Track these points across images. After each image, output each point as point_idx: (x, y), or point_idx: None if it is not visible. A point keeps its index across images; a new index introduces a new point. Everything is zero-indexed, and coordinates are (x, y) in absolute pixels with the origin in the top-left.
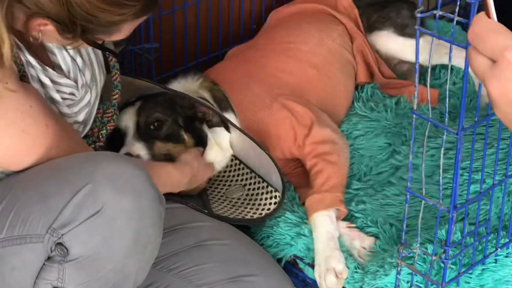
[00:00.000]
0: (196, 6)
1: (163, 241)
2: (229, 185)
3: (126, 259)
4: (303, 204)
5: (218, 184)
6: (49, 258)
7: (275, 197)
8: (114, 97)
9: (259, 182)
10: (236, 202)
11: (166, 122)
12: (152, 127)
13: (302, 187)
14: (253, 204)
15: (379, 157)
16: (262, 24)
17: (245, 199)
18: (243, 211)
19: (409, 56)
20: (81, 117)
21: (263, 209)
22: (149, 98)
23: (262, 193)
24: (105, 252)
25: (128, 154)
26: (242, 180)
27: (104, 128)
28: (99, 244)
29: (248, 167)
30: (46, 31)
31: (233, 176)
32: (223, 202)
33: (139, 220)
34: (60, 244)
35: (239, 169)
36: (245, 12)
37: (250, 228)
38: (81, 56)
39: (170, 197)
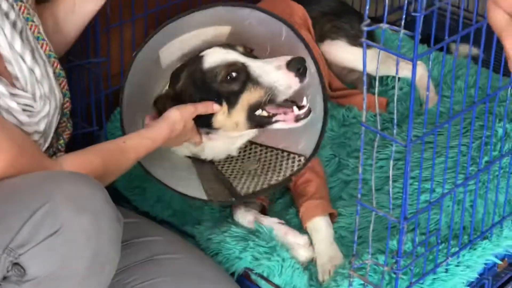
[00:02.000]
0: (144, 19)
1: None
2: (242, 161)
3: (85, 279)
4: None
5: (230, 163)
6: (5, 278)
7: (299, 160)
8: (65, 105)
9: (276, 154)
10: (255, 173)
11: None
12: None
13: None
14: (274, 170)
15: (325, 170)
16: None
17: (263, 169)
18: (266, 178)
19: (361, 66)
20: (41, 127)
21: (285, 172)
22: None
23: (282, 160)
24: (63, 272)
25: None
26: (255, 156)
27: (62, 138)
28: (57, 264)
29: (261, 145)
30: None
31: (244, 155)
32: (242, 176)
33: (98, 240)
34: (17, 264)
35: (250, 148)
36: None
37: (200, 244)
38: (39, 68)
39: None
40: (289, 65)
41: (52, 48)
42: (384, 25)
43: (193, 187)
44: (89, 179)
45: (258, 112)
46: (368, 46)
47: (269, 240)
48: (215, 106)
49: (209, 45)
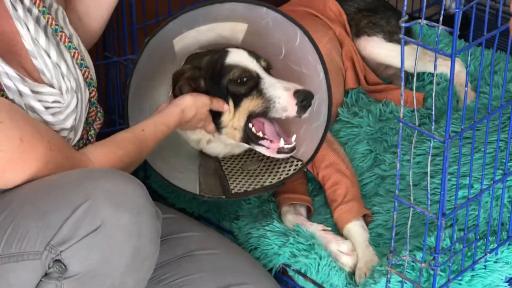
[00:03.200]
0: None
1: None
2: (245, 161)
3: (124, 276)
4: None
5: (234, 160)
6: (46, 274)
7: (296, 165)
8: (91, 95)
9: None
10: (253, 173)
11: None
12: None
13: (280, 194)
14: (271, 172)
15: (360, 165)
16: None
17: (261, 169)
18: (261, 179)
19: (397, 62)
20: (68, 124)
21: (281, 175)
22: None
23: (281, 163)
24: (103, 268)
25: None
26: (259, 156)
27: (92, 128)
28: (98, 261)
29: None
30: None
31: (249, 154)
32: (240, 175)
33: (138, 236)
34: (59, 260)
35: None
36: None
37: (238, 239)
38: (66, 62)
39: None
40: (296, 93)
41: (72, 39)
42: (422, 21)
43: (189, 179)
44: (127, 176)
45: (250, 125)
46: (406, 42)
47: (309, 237)
48: (225, 106)
49: (227, 40)
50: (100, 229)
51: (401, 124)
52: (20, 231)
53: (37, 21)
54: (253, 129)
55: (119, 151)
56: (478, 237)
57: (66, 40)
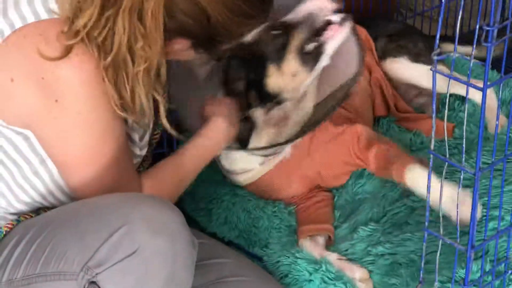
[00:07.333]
0: None
1: None
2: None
3: None
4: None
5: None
6: None
7: None
8: (155, 136)
9: None
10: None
11: None
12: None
13: (301, 225)
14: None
15: (390, 195)
16: None
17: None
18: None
19: (424, 83)
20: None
21: None
22: None
23: None
24: None
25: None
26: None
27: (142, 166)
28: (132, 285)
29: None
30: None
31: None
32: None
33: (173, 262)
34: (94, 282)
35: None
36: None
37: (268, 266)
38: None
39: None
40: None
41: None
42: (455, 54)
43: None
44: (166, 202)
45: (308, 48)
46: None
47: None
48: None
49: None
50: (137, 253)
51: (432, 155)
52: (59, 251)
53: None
54: (311, 45)
55: (174, 180)
56: (507, 270)
57: None
